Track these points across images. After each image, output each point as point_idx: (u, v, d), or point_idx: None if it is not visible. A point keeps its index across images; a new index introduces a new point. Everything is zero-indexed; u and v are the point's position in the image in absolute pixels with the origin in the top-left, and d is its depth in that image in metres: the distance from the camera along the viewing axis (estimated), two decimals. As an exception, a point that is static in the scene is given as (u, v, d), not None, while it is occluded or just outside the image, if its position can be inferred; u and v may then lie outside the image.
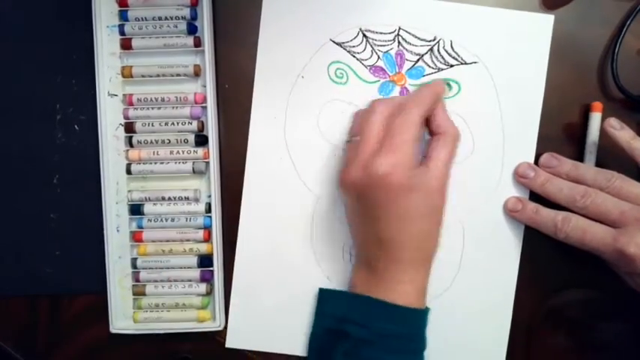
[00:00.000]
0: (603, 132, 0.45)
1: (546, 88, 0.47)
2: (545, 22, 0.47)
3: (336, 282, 0.48)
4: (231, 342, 0.49)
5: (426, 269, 0.44)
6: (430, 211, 0.42)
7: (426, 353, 0.44)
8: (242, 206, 0.48)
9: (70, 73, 0.48)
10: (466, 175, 0.47)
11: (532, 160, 0.47)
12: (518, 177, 0.46)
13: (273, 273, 0.48)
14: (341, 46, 0.47)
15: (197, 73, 0.47)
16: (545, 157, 0.46)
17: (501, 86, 0.47)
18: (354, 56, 0.47)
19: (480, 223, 0.47)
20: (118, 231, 0.48)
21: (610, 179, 0.43)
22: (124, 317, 0.48)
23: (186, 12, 0.46)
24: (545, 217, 0.45)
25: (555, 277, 0.48)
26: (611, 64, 0.46)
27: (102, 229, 0.47)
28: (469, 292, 0.47)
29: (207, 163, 0.47)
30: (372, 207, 0.42)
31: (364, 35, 0.47)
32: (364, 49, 0.47)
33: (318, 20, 0.47)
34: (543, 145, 0.47)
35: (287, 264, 0.48)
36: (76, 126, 0.48)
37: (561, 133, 0.47)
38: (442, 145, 0.42)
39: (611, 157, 0.46)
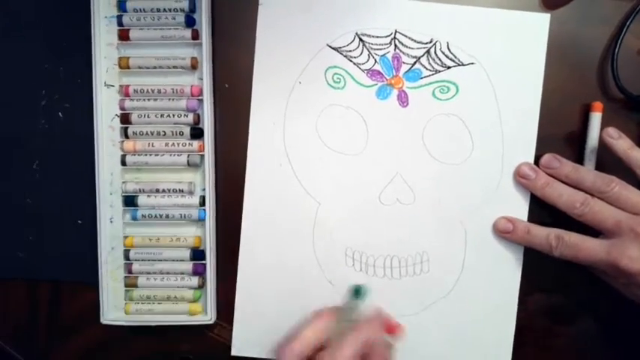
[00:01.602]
0: (602, 137, 0.45)
1: (546, 88, 0.47)
2: (541, 21, 0.46)
3: (338, 287, 0.48)
4: (236, 350, 0.49)
5: None
6: None
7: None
8: (243, 214, 0.48)
9: (58, 60, 0.48)
10: (466, 176, 0.47)
11: (532, 159, 0.47)
12: (519, 177, 0.46)
13: (277, 280, 0.48)
14: (338, 51, 0.47)
15: (194, 65, 0.47)
16: (546, 158, 0.46)
17: (499, 86, 0.47)
18: (350, 61, 0.47)
19: (482, 224, 0.47)
20: (111, 222, 0.48)
21: (609, 184, 0.43)
22: (115, 309, 0.48)
23: (185, 4, 0.46)
24: (539, 236, 0.45)
25: (560, 276, 0.47)
26: (611, 64, 0.46)
27: (81, 217, 0.48)
28: (473, 294, 0.47)
29: (202, 156, 0.47)
30: None
31: (360, 39, 0.47)
32: (361, 53, 0.47)
33: (314, 26, 0.47)
34: (543, 144, 0.47)
35: (290, 270, 0.48)
36: (60, 113, 0.48)
37: (561, 133, 0.47)
38: None
39: (611, 156, 0.46)
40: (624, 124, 0.46)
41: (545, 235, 0.44)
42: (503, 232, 0.46)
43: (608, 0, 0.46)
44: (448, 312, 0.47)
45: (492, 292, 0.47)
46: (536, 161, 0.46)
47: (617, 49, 0.45)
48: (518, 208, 0.47)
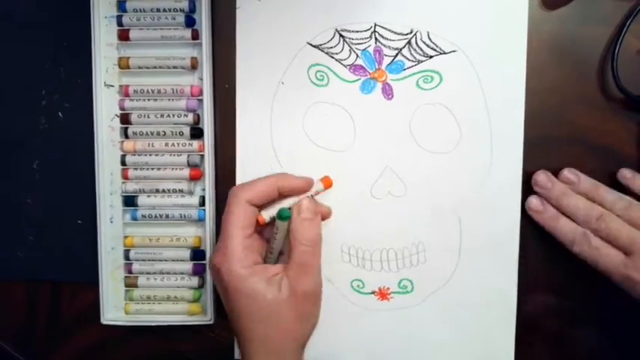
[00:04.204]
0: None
1: (546, 88, 0.47)
2: (520, 3, 0.46)
3: (337, 283, 0.48)
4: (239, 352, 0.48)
5: None
6: (270, 317, 0.40)
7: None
8: None
9: (59, 60, 0.48)
10: (456, 164, 0.47)
11: (520, 142, 0.46)
12: (536, 186, 0.46)
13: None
14: (319, 49, 0.47)
15: (194, 65, 0.47)
16: (565, 173, 0.45)
17: (482, 72, 0.47)
18: (332, 57, 0.47)
19: (475, 211, 0.47)
20: (111, 222, 0.48)
21: (628, 207, 0.43)
22: (115, 309, 0.48)
23: (185, 4, 0.46)
24: (565, 228, 0.44)
25: (557, 258, 0.47)
26: (611, 64, 0.45)
27: (81, 217, 0.48)
28: (472, 281, 0.47)
29: (202, 156, 0.47)
30: (221, 297, 0.43)
31: (341, 35, 0.47)
32: (342, 49, 0.47)
33: (293, 25, 0.47)
34: (544, 145, 0.47)
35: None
36: (60, 113, 0.48)
37: (561, 132, 0.47)
38: (291, 257, 0.42)
39: (612, 156, 0.47)
40: (624, 124, 0.47)
41: (573, 229, 0.44)
42: (533, 210, 0.46)
43: (608, 0, 0.46)
44: (448, 301, 0.48)
45: (491, 278, 0.47)
46: (527, 150, 0.46)
47: (617, 49, 0.45)
48: (511, 193, 0.47)
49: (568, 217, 0.45)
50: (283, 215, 0.42)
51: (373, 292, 0.48)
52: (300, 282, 0.41)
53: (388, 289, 0.48)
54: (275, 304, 0.40)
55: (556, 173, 0.46)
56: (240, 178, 0.48)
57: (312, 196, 0.45)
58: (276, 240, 0.43)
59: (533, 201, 0.46)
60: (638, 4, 0.45)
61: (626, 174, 0.45)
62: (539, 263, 0.46)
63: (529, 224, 0.47)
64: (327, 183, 0.46)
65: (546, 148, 0.47)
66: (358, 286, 0.48)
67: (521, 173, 0.47)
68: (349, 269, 0.48)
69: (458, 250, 0.47)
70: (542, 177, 0.46)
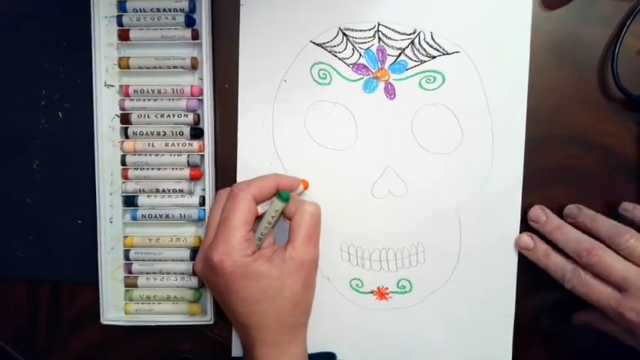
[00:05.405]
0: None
1: (546, 88, 0.47)
2: (523, 4, 0.46)
3: (336, 282, 0.48)
4: (237, 350, 0.49)
5: (298, 344, 0.44)
6: (278, 293, 0.42)
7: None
8: None
9: (59, 60, 0.48)
10: (457, 165, 0.47)
11: (522, 143, 0.46)
12: (530, 220, 0.46)
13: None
14: (322, 47, 0.47)
15: (194, 65, 0.47)
16: (568, 208, 0.46)
17: (485, 73, 0.47)
18: (335, 56, 0.47)
19: (475, 212, 0.47)
20: (111, 222, 0.48)
21: (623, 236, 0.42)
22: (115, 309, 0.48)
23: (185, 4, 0.46)
24: (556, 263, 0.44)
25: None
26: (611, 64, 0.45)
27: (81, 217, 0.48)
28: (470, 282, 0.47)
29: (202, 156, 0.47)
30: (219, 294, 0.43)
31: (344, 34, 0.47)
32: (345, 48, 0.47)
33: (297, 23, 0.47)
34: (543, 145, 0.47)
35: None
36: (60, 113, 0.48)
37: (561, 132, 0.47)
38: (295, 229, 0.43)
39: (612, 156, 0.47)
40: (624, 124, 0.47)
41: (562, 265, 0.44)
42: (524, 248, 0.46)
43: (608, 0, 0.46)
44: (447, 301, 0.48)
45: (490, 279, 0.47)
46: (527, 148, 0.46)
47: (617, 49, 0.45)
48: (511, 195, 0.47)
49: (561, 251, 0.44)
50: (284, 196, 0.43)
51: (372, 292, 0.48)
52: (307, 251, 0.43)
53: (387, 288, 0.48)
54: (283, 279, 0.42)
55: (555, 172, 0.47)
56: (241, 176, 0.48)
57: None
58: (271, 223, 0.44)
59: (523, 238, 0.46)
60: (638, 4, 0.46)
61: (626, 207, 0.45)
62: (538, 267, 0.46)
63: (529, 225, 0.46)
64: (305, 185, 0.47)
65: (546, 147, 0.47)
66: (357, 285, 0.48)
67: (522, 174, 0.47)
68: (348, 268, 0.48)
69: (457, 251, 0.47)
70: (536, 211, 0.46)
